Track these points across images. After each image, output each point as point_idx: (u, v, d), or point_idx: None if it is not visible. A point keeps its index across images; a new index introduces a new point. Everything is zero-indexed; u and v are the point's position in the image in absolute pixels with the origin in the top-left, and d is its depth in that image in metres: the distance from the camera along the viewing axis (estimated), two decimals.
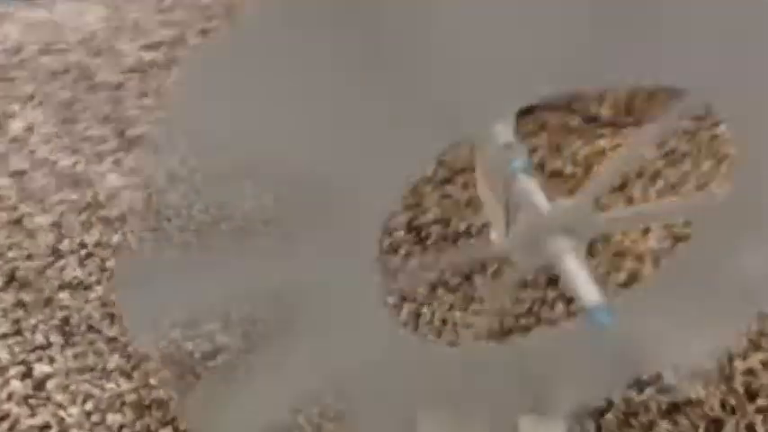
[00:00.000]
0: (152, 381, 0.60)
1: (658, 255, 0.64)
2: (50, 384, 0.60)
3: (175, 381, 0.60)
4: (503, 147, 0.31)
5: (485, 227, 0.66)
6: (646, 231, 0.66)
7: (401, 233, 0.67)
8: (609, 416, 0.55)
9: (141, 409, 0.58)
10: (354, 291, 0.29)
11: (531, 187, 0.28)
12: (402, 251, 0.66)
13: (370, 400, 0.35)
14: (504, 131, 0.32)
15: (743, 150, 0.26)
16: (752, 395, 0.56)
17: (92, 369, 0.61)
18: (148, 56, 0.89)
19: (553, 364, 0.34)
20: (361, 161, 0.24)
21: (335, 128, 0.24)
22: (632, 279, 0.63)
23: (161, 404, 0.59)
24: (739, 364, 0.57)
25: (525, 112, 0.72)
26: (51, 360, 0.61)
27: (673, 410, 0.55)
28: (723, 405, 0.56)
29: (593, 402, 0.46)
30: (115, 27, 0.92)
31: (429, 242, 0.66)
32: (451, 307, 0.61)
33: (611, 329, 0.26)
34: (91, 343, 0.62)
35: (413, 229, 0.68)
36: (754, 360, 0.58)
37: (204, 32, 0.91)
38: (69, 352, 0.62)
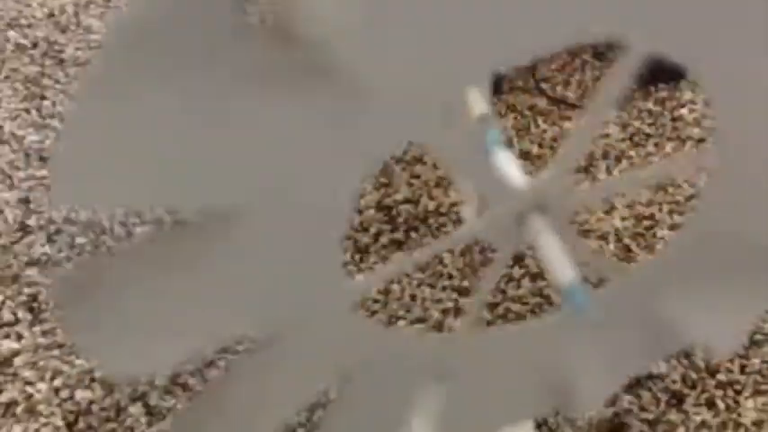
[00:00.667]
0: None
1: (622, 234, 0.66)
2: (18, 361, 0.59)
3: None
4: (477, 119, 0.31)
5: (454, 206, 0.66)
6: (609, 211, 0.67)
7: (371, 212, 0.68)
8: None
9: (110, 385, 0.58)
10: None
11: (508, 161, 0.27)
12: (372, 230, 0.66)
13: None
14: (477, 103, 0.31)
15: (724, 122, 0.25)
16: (712, 371, 0.58)
17: (60, 346, 0.61)
18: None
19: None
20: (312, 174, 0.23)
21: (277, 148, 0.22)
22: (594, 255, 0.64)
23: (130, 380, 0.59)
24: None
25: (493, 93, 0.73)
26: (19, 336, 0.61)
27: (635, 384, 0.57)
28: (684, 380, 0.57)
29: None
30: (84, 2, 0.91)
31: (399, 220, 0.67)
32: (421, 283, 0.62)
33: (588, 311, 0.25)
34: (59, 320, 0.62)
35: (383, 208, 0.68)
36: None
37: None
38: (37, 329, 0.61)
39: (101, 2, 0.91)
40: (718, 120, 0.25)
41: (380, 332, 0.33)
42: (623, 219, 0.66)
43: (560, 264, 0.25)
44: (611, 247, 0.65)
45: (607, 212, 0.67)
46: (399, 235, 0.66)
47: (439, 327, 0.59)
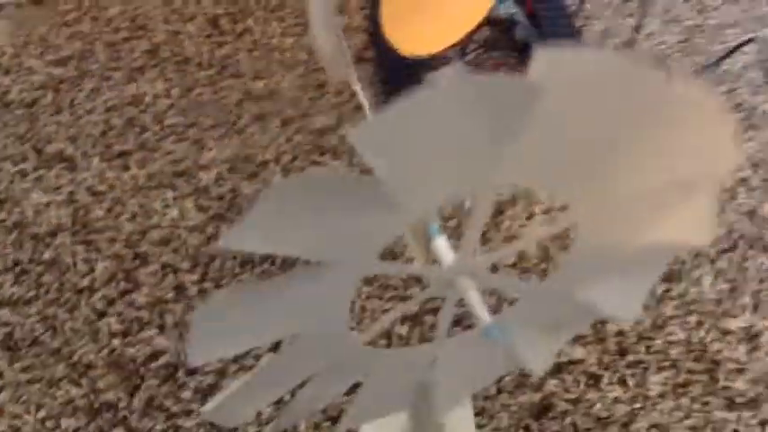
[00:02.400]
0: (100, 385, 0.65)
1: (542, 238, 0.75)
2: (3, 397, 0.64)
3: (122, 384, 0.65)
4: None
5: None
6: (530, 216, 0.76)
7: None
8: (507, 378, 0.65)
9: (93, 412, 0.64)
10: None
11: (443, 245, 0.37)
12: None
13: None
14: None
15: None
16: (622, 353, 0.67)
17: (40, 379, 0.66)
18: (57, 71, 0.91)
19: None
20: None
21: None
22: (521, 259, 0.73)
23: (111, 406, 0.64)
24: (611, 327, 0.68)
25: None
26: (0, 374, 0.65)
27: (559, 369, 0.66)
28: (599, 362, 0.67)
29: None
30: (22, 43, 0.94)
31: None
32: (369, 296, 0.69)
33: (502, 342, 0.36)
34: (36, 355, 0.67)
35: None
36: (624, 323, 0.69)
37: (111, 45, 0.95)
38: (17, 365, 0.66)
39: (38, 41, 0.94)
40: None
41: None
42: (542, 223, 0.75)
43: (480, 310, 0.35)
44: (533, 250, 0.74)
45: (528, 218, 0.76)
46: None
47: (387, 335, 0.67)
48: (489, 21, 0.85)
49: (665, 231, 0.36)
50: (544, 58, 0.24)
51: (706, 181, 0.34)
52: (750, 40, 0.90)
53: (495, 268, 0.71)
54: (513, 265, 0.72)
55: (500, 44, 0.87)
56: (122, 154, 0.82)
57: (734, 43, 0.91)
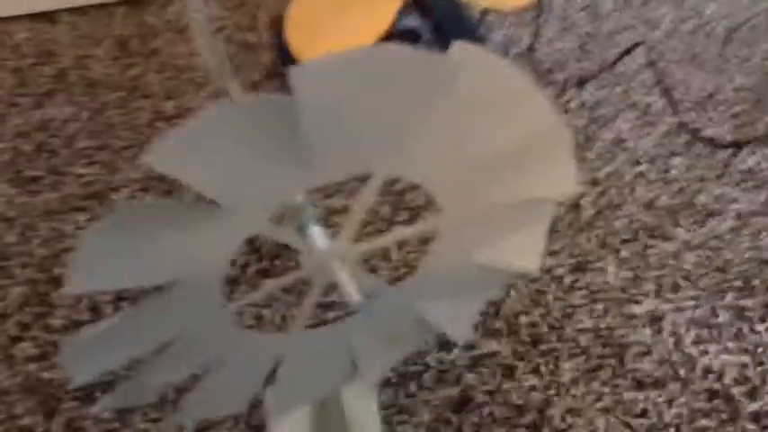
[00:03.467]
0: (17, 410, 0.64)
1: (421, 240, 0.77)
2: None
3: (39, 407, 0.64)
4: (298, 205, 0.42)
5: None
6: (412, 219, 0.78)
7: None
8: (426, 375, 0.67)
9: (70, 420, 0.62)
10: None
11: (317, 233, 0.40)
12: (239, 262, 0.74)
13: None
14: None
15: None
16: (535, 343, 0.70)
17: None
18: None
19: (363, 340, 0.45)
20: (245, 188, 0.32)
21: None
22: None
23: (28, 431, 0.63)
24: (524, 319, 0.71)
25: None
26: None
27: (476, 363, 0.68)
28: (514, 353, 0.69)
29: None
30: None
31: (263, 251, 0.75)
32: (289, 305, 0.70)
33: (367, 317, 0.39)
34: None
35: (249, 242, 0.76)
36: (535, 315, 0.71)
37: (17, 71, 0.93)
38: None
39: None
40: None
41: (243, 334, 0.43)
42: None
43: (351, 289, 0.37)
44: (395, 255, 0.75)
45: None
46: (265, 264, 0.74)
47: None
48: (393, 34, 0.88)
49: (498, 253, 0.39)
50: (302, 76, 0.27)
51: (541, 207, 0.37)
52: (639, 44, 0.95)
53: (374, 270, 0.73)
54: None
55: None
56: (32, 179, 0.81)
57: (625, 47, 0.97)
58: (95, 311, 0.70)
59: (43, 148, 0.84)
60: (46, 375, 0.66)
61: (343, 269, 0.38)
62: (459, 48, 0.28)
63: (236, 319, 0.40)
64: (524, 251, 0.39)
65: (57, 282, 0.72)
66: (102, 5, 1.02)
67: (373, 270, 0.72)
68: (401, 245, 0.75)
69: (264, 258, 0.74)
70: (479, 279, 0.41)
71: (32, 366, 0.67)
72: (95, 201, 0.79)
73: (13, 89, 0.91)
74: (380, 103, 0.29)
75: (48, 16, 1.00)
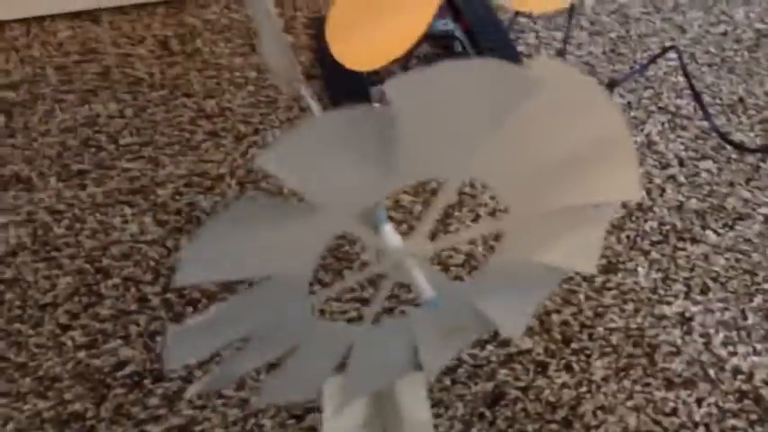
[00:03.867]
0: (66, 396, 0.67)
1: (487, 238, 0.79)
2: None
3: (89, 394, 0.67)
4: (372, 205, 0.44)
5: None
6: (475, 219, 0.80)
7: None
8: (460, 370, 0.69)
9: (60, 424, 0.65)
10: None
11: (390, 231, 0.42)
12: None
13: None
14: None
15: None
16: (567, 341, 0.72)
17: (7, 394, 0.67)
18: (9, 95, 0.93)
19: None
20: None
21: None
22: (469, 259, 0.77)
23: (78, 416, 0.66)
24: (555, 318, 0.73)
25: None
26: None
27: (509, 360, 0.70)
28: (546, 350, 0.71)
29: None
30: None
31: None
32: (328, 299, 0.72)
33: (437, 312, 0.41)
34: (2, 371, 0.68)
35: None
36: (567, 314, 0.73)
37: (61, 68, 0.96)
38: None
39: None
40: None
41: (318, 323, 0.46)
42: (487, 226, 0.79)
43: (426, 286, 0.39)
44: (480, 249, 0.78)
45: (473, 221, 0.80)
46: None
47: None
48: (429, 36, 0.90)
49: (558, 253, 0.41)
50: (398, 87, 0.29)
51: (602, 210, 0.39)
52: (671, 48, 0.97)
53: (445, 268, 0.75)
54: (462, 265, 0.76)
55: (440, 58, 0.92)
56: (79, 173, 0.84)
57: (656, 51, 0.98)
58: (142, 302, 0.73)
59: (89, 144, 0.87)
60: (95, 362, 0.69)
61: (416, 266, 0.40)
62: (539, 62, 0.30)
63: (315, 312, 0.43)
64: (582, 252, 0.40)
65: (104, 272, 0.75)
66: (142, 5, 1.05)
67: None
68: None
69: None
70: (538, 278, 0.43)
71: (82, 354, 0.69)
72: (140, 195, 0.82)
73: (59, 86, 0.94)
74: (463, 111, 0.31)
75: (89, 15, 1.03)
